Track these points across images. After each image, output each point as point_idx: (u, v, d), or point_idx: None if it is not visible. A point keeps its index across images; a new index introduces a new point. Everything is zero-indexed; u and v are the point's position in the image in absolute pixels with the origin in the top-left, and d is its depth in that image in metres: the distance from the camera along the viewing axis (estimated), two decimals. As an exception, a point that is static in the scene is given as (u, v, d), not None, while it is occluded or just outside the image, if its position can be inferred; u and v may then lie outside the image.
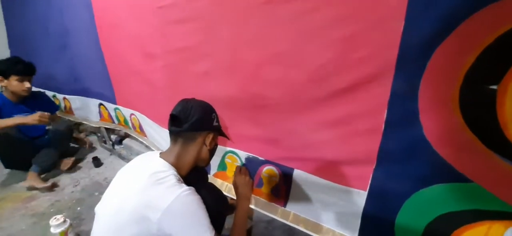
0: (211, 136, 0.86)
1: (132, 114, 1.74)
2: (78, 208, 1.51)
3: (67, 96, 2.24)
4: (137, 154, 1.93)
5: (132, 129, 1.84)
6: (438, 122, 0.69)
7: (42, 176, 1.75)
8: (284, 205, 1.09)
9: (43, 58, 2.26)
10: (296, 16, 0.86)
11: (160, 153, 0.86)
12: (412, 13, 0.66)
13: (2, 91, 1.73)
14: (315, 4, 0.81)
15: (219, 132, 0.91)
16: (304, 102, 0.94)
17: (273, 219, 1.13)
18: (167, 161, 0.80)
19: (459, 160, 0.68)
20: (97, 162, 1.88)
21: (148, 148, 1.84)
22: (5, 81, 1.65)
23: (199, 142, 0.84)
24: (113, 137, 2.14)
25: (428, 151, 0.71)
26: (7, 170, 1.78)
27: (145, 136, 1.75)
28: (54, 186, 1.70)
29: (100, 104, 1.97)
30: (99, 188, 1.68)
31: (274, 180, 1.11)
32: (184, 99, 0.88)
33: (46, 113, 1.61)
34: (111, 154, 2.11)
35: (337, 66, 0.82)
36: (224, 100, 1.13)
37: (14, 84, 1.66)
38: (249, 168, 1.16)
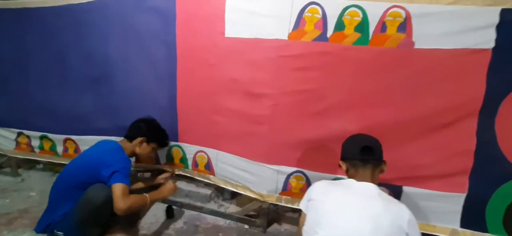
0: (386, 165, 1.10)
1: (200, 151, 1.68)
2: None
3: (76, 137, 1.89)
4: (187, 195, 1.82)
5: (191, 167, 1.75)
6: (507, 142, 1.19)
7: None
8: (396, 217, 1.38)
9: (39, 90, 1.89)
10: (410, 76, 1.27)
11: (356, 178, 1.02)
12: (491, 79, 1.16)
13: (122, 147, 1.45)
14: (424, 68, 1.24)
15: None
16: (410, 134, 1.32)
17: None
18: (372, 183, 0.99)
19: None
20: (170, 213, 1.62)
21: (202, 185, 1.77)
22: (144, 144, 1.53)
23: (380, 169, 1.06)
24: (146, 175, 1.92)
25: (503, 160, 1.19)
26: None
27: (211, 174, 1.70)
28: None
29: (143, 143, 1.78)
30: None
31: (382, 198, 1.39)
32: (360, 134, 1.11)
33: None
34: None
35: (439, 108, 1.25)
36: (338, 133, 1.37)
37: (148, 150, 1.55)
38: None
